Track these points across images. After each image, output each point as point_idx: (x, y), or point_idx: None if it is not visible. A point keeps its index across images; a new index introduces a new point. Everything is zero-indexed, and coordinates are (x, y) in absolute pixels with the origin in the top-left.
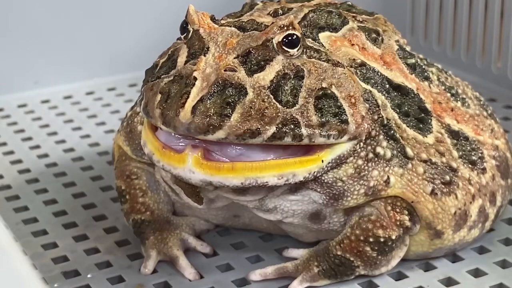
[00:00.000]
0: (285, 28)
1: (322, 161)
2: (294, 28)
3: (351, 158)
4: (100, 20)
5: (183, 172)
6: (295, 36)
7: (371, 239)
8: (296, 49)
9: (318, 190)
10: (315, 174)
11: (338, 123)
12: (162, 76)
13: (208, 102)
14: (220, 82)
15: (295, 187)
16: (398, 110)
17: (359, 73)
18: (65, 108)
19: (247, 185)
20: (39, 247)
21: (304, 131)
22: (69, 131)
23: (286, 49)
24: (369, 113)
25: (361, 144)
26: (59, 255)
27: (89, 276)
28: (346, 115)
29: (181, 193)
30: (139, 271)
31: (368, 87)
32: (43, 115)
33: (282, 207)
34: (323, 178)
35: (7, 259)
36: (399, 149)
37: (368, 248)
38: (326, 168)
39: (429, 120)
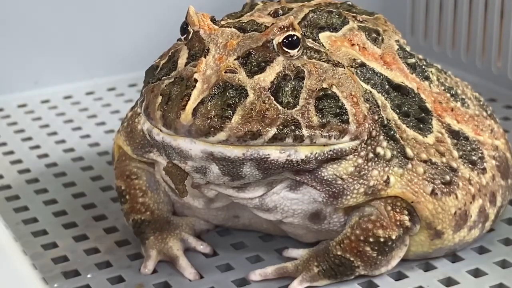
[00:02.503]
0: (285, 29)
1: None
2: (294, 29)
3: (351, 156)
4: (100, 20)
5: (184, 143)
6: (295, 37)
7: (371, 239)
8: (297, 50)
9: (318, 187)
10: (316, 155)
11: (339, 123)
12: (163, 78)
13: (209, 104)
14: (221, 84)
15: (295, 185)
16: (398, 110)
17: (359, 73)
18: (65, 108)
19: (248, 157)
20: (39, 247)
21: (305, 132)
22: (69, 131)
23: (286, 50)
24: (370, 113)
25: (362, 143)
26: (59, 255)
27: (89, 276)
28: (347, 115)
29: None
30: (139, 271)
31: (368, 87)
32: (43, 115)
33: (282, 207)
34: (323, 175)
35: (7, 259)
36: (399, 150)
37: (368, 248)
38: (327, 155)
39: (430, 120)
